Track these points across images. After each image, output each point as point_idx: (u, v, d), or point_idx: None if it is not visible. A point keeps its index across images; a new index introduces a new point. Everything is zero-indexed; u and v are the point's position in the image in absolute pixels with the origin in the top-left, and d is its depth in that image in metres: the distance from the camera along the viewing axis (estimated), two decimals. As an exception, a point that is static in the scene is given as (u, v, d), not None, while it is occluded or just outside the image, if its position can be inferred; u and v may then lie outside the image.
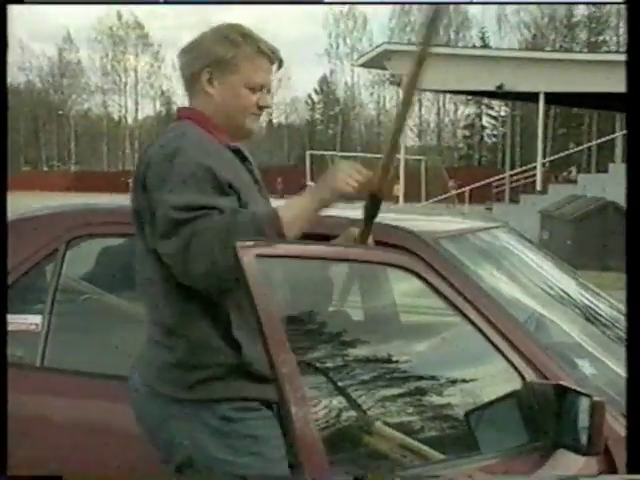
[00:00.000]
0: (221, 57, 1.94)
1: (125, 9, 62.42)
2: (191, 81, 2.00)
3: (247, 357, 1.87)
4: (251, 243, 1.74)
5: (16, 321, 2.49)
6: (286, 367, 1.73)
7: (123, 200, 2.57)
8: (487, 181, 26.44)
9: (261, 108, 2.03)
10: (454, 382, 2.32)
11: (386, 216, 2.23)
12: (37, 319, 2.56)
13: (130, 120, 68.73)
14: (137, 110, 68.55)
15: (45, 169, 66.89)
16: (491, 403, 2.07)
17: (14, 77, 55.53)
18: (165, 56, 64.25)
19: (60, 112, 65.00)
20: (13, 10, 2.27)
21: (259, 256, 1.82)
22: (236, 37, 1.95)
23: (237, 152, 2.02)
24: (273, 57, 2.00)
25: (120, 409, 2.17)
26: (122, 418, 2.18)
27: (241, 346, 1.88)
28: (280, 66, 2.06)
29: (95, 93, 67.45)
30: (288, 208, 1.88)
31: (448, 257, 2.28)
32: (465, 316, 2.12)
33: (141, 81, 67.03)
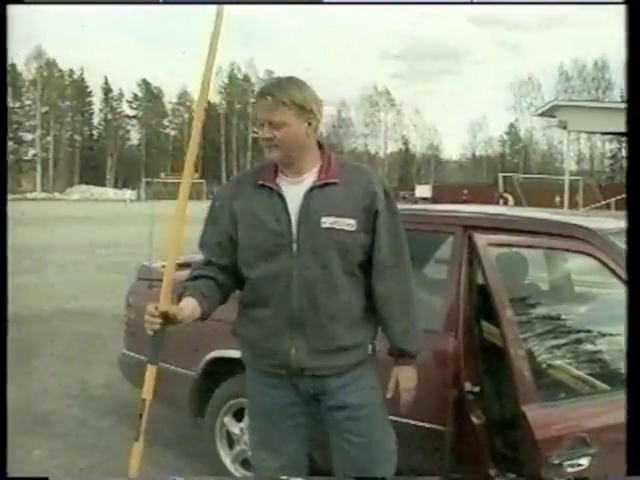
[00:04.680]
0: None
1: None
2: None
3: None
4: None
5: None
6: (509, 323, 2.97)
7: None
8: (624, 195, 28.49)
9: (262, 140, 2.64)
10: (604, 335, 3.40)
11: (567, 218, 3.64)
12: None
13: (381, 154, 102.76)
14: (386, 148, 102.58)
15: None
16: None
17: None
18: (404, 111, 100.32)
19: (338, 149, 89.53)
20: (13, 10, 2.59)
21: (490, 245, 3.24)
22: None
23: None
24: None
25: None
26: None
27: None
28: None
29: (359, 137, 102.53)
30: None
31: (615, 246, 3.13)
32: (626, 284, 2.80)
33: (388, 129, 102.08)
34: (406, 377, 2.79)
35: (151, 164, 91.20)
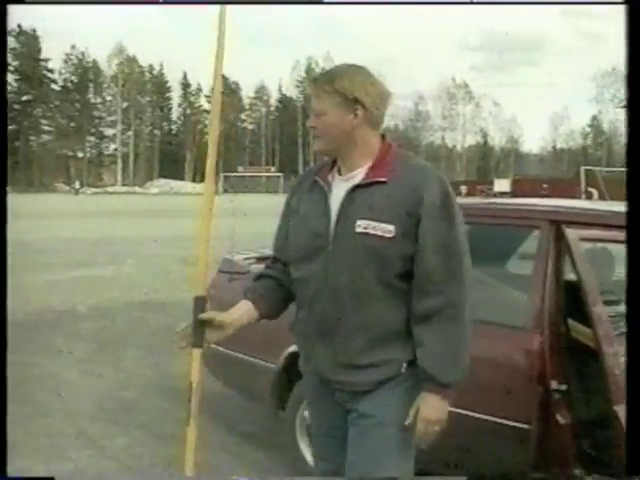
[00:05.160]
0: None
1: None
2: None
3: None
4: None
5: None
6: (600, 320, 2.95)
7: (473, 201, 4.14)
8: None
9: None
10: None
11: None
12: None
13: (459, 148, 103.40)
14: (464, 141, 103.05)
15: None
16: None
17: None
18: (483, 104, 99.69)
19: (415, 143, 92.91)
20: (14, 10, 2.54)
21: (582, 239, 3.21)
22: None
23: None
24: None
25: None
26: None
27: None
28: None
29: (437, 131, 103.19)
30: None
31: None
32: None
33: (466, 122, 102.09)
34: (429, 406, 2.38)
35: (229, 158, 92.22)
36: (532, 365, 3.29)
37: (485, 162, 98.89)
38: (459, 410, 3.39)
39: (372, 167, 2.41)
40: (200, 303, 2.47)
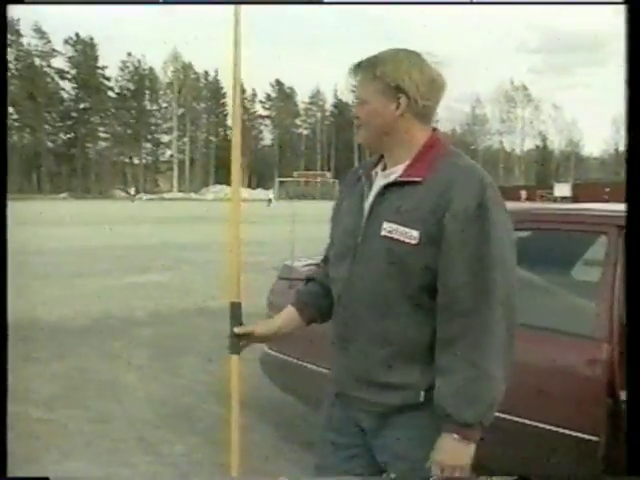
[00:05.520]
0: None
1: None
2: None
3: None
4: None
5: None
6: None
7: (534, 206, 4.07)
8: None
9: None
10: None
11: None
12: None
13: (517, 152, 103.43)
14: (522, 145, 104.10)
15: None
16: None
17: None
18: (542, 106, 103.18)
19: (472, 147, 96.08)
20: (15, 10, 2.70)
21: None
22: None
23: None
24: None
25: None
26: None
27: None
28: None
29: (495, 134, 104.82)
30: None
31: None
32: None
33: (525, 125, 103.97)
34: (443, 449, 2.07)
35: (284, 164, 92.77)
36: (601, 375, 3.21)
37: (544, 166, 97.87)
38: (524, 420, 3.37)
39: (410, 165, 2.17)
40: (235, 309, 2.47)
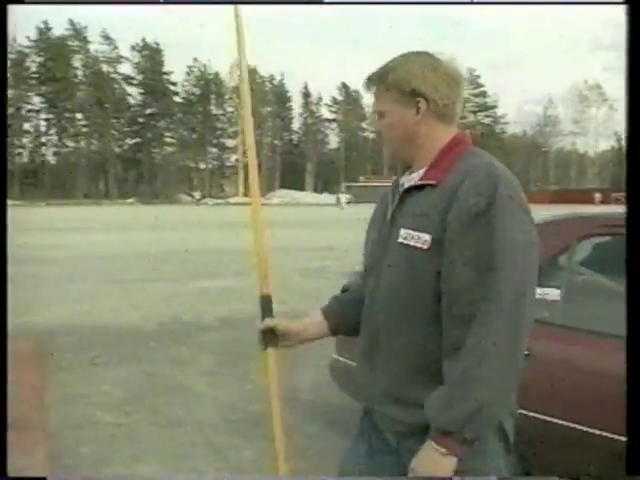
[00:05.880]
0: None
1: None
2: None
3: None
4: None
5: (541, 293, 3.49)
6: None
7: (609, 210, 3.94)
8: None
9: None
10: None
11: None
12: (556, 292, 3.69)
13: (591, 153, 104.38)
14: (596, 147, 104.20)
15: (533, 189, 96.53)
16: None
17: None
18: (618, 106, 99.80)
19: (544, 149, 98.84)
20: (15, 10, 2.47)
21: None
22: None
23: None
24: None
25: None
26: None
27: None
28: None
29: (567, 135, 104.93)
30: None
31: None
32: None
33: (599, 126, 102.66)
34: (420, 456, 1.96)
35: (350, 168, 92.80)
36: None
37: (620, 168, 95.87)
38: (579, 427, 3.33)
39: (428, 168, 2.08)
40: (265, 303, 2.43)
